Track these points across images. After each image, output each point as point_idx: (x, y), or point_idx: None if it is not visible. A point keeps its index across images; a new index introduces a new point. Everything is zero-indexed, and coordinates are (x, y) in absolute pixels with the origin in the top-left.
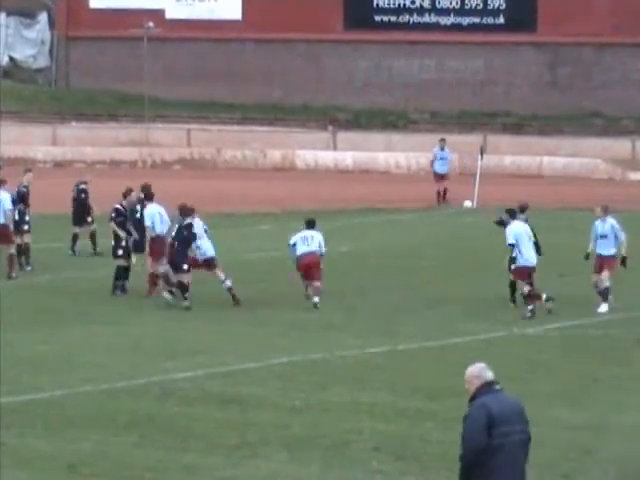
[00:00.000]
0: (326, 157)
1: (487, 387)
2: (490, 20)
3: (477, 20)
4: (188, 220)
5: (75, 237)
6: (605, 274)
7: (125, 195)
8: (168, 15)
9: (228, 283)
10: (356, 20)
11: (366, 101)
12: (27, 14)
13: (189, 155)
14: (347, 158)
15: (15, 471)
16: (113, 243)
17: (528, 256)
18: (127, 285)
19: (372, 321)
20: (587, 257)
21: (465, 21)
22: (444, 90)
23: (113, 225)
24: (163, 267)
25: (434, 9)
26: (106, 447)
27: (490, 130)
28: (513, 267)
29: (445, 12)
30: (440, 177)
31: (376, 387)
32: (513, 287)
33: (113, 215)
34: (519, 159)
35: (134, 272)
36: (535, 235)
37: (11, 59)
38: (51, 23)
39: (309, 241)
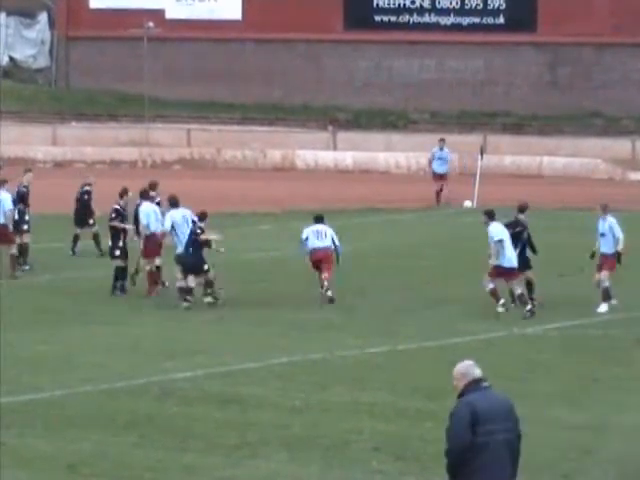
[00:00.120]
0: (326, 157)
1: (474, 384)
2: (490, 20)
3: (477, 20)
4: (200, 224)
5: (76, 238)
6: (604, 274)
7: (121, 195)
8: (168, 15)
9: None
10: (356, 20)
11: (366, 101)
12: (27, 14)
13: (189, 155)
14: (347, 158)
15: (15, 471)
16: (110, 243)
17: (510, 256)
18: (126, 285)
19: (372, 321)
20: (592, 256)
21: (465, 21)
22: (444, 90)
23: (115, 223)
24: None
25: (434, 9)
26: (106, 447)
27: (490, 130)
28: (494, 265)
29: (445, 12)
30: (439, 177)
31: (376, 387)
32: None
33: (113, 216)
34: (519, 159)
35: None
36: (521, 234)
37: (11, 59)
38: (51, 23)
39: (322, 235)
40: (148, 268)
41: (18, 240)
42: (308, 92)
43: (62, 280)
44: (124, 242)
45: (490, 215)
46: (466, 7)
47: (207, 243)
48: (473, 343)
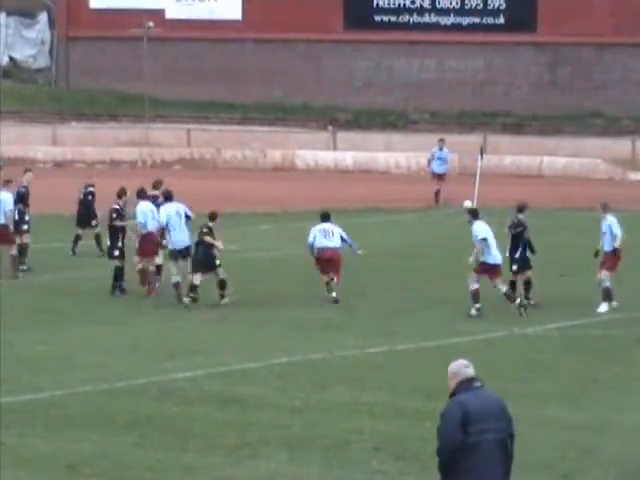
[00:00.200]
0: (326, 157)
1: (466, 384)
2: (490, 20)
3: (477, 20)
4: (209, 224)
5: (77, 238)
6: (604, 273)
7: (120, 195)
8: (168, 15)
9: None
10: (356, 20)
11: (366, 101)
12: (27, 14)
13: (189, 155)
14: (347, 158)
15: (15, 471)
16: (109, 243)
17: (495, 254)
18: (124, 285)
19: (372, 321)
20: (596, 254)
21: (465, 21)
22: (444, 90)
23: (118, 223)
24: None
25: (434, 9)
26: (106, 447)
27: (490, 130)
28: (479, 262)
29: (445, 12)
30: (437, 177)
31: (376, 387)
32: (513, 287)
33: (114, 216)
34: (519, 159)
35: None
36: (522, 233)
37: (11, 59)
38: (51, 23)
39: (330, 235)
40: (140, 267)
41: (18, 240)
42: (308, 92)
43: (62, 280)
44: (122, 242)
45: (474, 214)
46: (466, 7)
47: (211, 246)
48: (473, 343)
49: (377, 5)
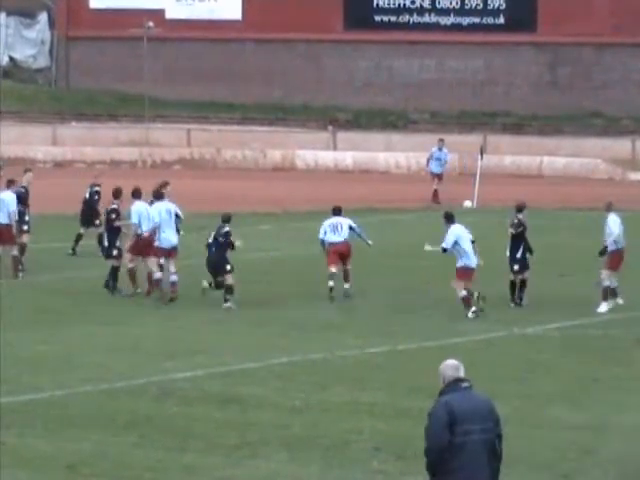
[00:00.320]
0: (326, 157)
1: (454, 384)
2: (490, 20)
3: (477, 20)
4: (227, 228)
5: (78, 237)
6: (605, 272)
7: (116, 195)
8: (168, 15)
9: (174, 277)
10: (356, 20)
11: (366, 101)
12: (27, 14)
13: (189, 155)
14: (347, 158)
15: (15, 471)
16: (107, 243)
17: (471, 257)
18: (117, 286)
19: (372, 321)
20: (601, 253)
21: (465, 21)
22: (444, 90)
23: (119, 223)
24: (159, 273)
25: (434, 9)
26: (106, 447)
27: (490, 130)
28: (458, 267)
29: (445, 12)
30: (435, 177)
31: (376, 387)
32: (513, 287)
33: (114, 216)
34: (519, 159)
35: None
36: (523, 233)
37: (11, 59)
38: (51, 23)
39: (339, 229)
40: (131, 266)
41: (17, 240)
42: (308, 92)
43: (62, 280)
44: (120, 242)
45: (448, 218)
46: (466, 7)
47: (233, 245)
48: (473, 343)
49: (377, 5)
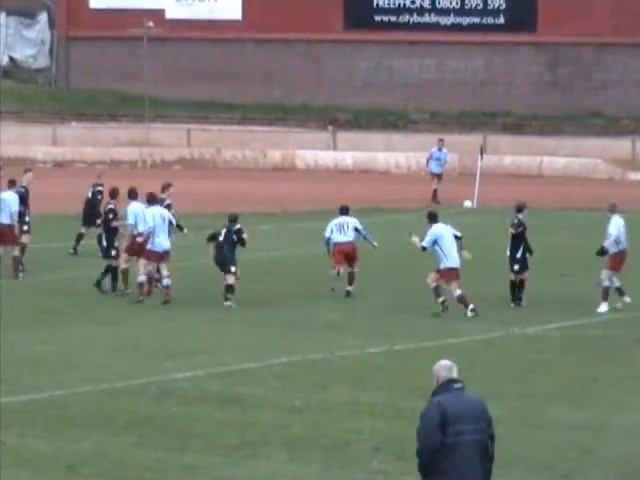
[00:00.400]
0: (326, 157)
1: (447, 385)
2: (490, 20)
3: (477, 20)
4: (238, 225)
5: (80, 237)
6: (605, 273)
7: (113, 195)
8: (168, 15)
9: (168, 281)
10: (356, 20)
11: (366, 101)
12: (27, 14)
13: (189, 155)
14: (347, 158)
15: (15, 471)
16: (105, 243)
17: (452, 258)
18: (104, 287)
19: (372, 321)
20: (603, 253)
21: (465, 21)
22: (444, 90)
23: (115, 223)
24: (143, 276)
25: (434, 9)
26: (106, 447)
27: (490, 130)
28: (440, 269)
29: (445, 12)
30: (435, 176)
31: (376, 387)
32: (513, 287)
33: (111, 216)
34: (519, 159)
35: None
36: (523, 233)
37: (11, 59)
38: (51, 23)
39: (345, 229)
40: (125, 266)
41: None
42: (308, 92)
43: (62, 280)
44: (118, 242)
45: (431, 218)
46: (466, 7)
47: (245, 242)
48: (473, 343)
49: (377, 5)
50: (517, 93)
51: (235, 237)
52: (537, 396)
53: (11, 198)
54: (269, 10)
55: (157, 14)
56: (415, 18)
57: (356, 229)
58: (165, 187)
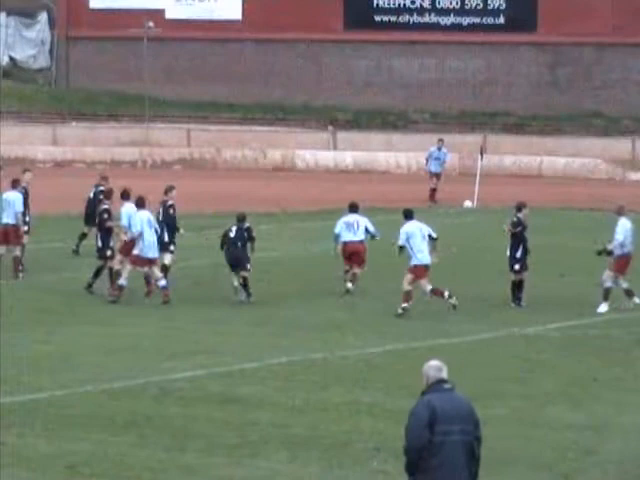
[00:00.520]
0: (326, 157)
1: (436, 385)
2: (490, 20)
3: (477, 20)
4: (247, 224)
5: (82, 236)
6: (607, 274)
7: (108, 196)
8: (168, 15)
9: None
10: (356, 20)
11: (366, 101)
12: (27, 14)
13: (189, 155)
14: (347, 158)
15: (15, 471)
16: (101, 244)
17: (422, 255)
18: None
19: (372, 321)
20: (607, 253)
21: (465, 21)
22: (444, 90)
23: (110, 223)
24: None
25: (434, 9)
26: (105, 447)
27: (490, 130)
28: (410, 266)
29: (445, 12)
30: (434, 176)
31: (376, 387)
32: (514, 287)
33: (105, 216)
34: (519, 159)
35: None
36: (522, 233)
37: (11, 59)
38: (51, 23)
39: (355, 228)
40: (118, 267)
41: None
42: (308, 92)
43: (62, 280)
44: (112, 243)
45: (406, 215)
46: (466, 7)
47: (254, 240)
48: (473, 343)
49: (377, 5)
50: (517, 93)
51: (247, 234)
52: (537, 396)
53: (15, 198)
54: (269, 10)
55: (157, 14)
56: (415, 18)
57: (367, 230)
58: (168, 190)
